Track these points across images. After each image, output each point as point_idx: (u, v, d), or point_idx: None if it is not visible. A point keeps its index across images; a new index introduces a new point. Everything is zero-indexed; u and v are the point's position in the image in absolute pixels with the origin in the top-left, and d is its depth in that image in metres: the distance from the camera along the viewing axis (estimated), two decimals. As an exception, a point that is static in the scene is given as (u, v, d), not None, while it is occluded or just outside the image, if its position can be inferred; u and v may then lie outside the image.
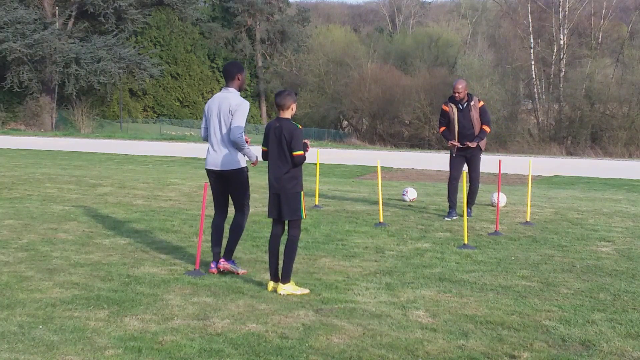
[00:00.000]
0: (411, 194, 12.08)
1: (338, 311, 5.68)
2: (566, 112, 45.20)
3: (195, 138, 39.05)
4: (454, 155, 10.42)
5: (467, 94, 10.34)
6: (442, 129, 10.57)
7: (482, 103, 10.42)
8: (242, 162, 6.85)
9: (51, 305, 5.64)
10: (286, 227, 6.42)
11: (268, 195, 6.37)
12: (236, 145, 6.72)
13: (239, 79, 6.89)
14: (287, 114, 6.29)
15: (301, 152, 6.17)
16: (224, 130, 6.76)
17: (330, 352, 4.79)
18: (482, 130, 10.35)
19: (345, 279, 6.75)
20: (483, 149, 10.54)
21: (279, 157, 6.22)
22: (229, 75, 6.88)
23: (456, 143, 10.34)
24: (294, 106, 6.30)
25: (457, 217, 10.32)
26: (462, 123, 10.25)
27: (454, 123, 10.30)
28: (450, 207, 10.44)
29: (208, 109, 6.90)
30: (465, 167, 10.39)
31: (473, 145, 10.30)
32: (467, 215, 10.27)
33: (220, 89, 6.99)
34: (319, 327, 5.28)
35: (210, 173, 6.95)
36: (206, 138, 7.01)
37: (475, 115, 10.30)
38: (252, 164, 6.93)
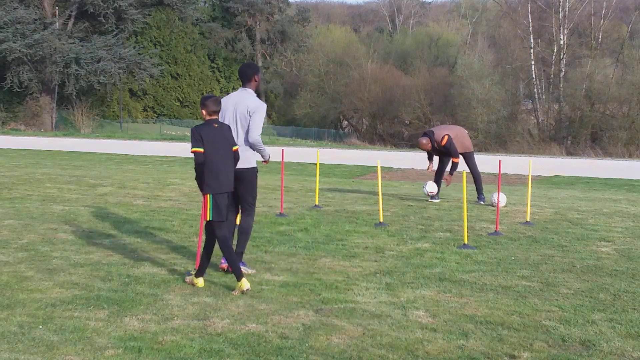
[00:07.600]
0: (430, 187, 12.06)
1: (338, 311, 5.68)
2: (566, 112, 45.23)
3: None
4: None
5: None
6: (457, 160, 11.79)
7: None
8: (253, 161, 6.92)
9: (51, 305, 5.64)
10: (229, 225, 6.64)
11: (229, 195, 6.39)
12: (255, 147, 6.83)
13: (255, 80, 7.01)
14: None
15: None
16: (239, 130, 6.84)
17: (330, 352, 4.79)
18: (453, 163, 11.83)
19: (345, 279, 6.75)
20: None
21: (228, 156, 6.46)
22: (245, 77, 6.98)
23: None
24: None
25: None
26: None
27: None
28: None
29: (223, 107, 6.93)
30: (466, 168, 11.38)
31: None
32: (481, 202, 11.83)
33: (237, 89, 7.08)
34: (319, 327, 5.28)
35: None
36: None
37: None
38: (264, 162, 7.06)
